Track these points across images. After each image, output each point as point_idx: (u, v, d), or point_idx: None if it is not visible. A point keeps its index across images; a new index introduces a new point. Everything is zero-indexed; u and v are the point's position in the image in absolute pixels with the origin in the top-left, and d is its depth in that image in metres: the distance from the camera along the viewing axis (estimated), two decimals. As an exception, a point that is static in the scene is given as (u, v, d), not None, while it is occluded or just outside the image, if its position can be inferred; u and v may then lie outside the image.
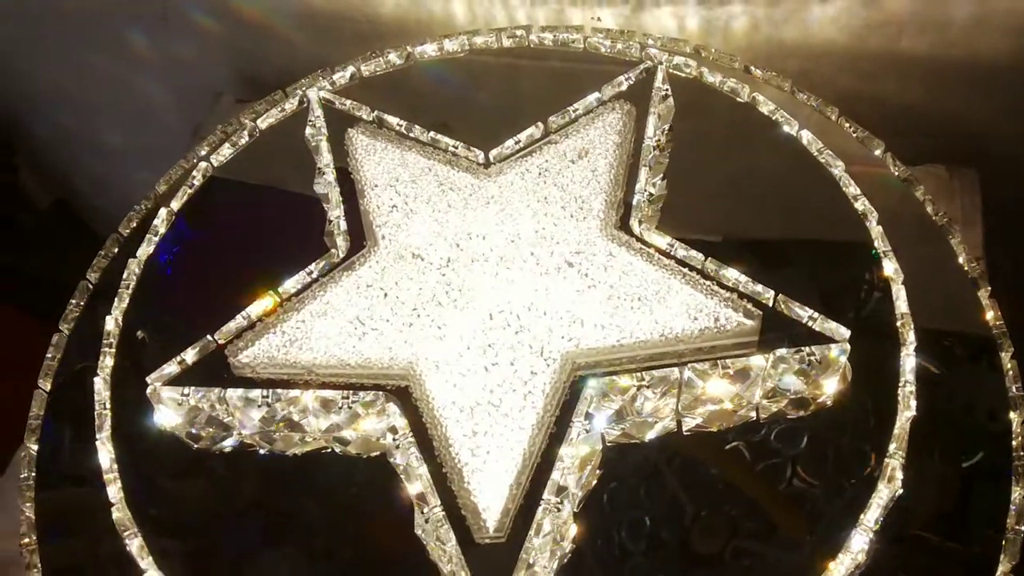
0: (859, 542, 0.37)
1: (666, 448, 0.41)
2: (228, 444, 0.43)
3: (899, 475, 0.39)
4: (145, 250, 0.51)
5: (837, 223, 0.48)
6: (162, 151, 0.99)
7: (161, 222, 0.51)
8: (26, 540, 0.47)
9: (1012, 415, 0.44)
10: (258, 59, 0.81)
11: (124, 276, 0.49)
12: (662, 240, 0.44)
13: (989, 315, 0.47)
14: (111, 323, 0.47)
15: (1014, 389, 0.45)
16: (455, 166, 0.48)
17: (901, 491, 0.39)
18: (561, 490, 0.37)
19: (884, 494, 0.38)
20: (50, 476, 0.48)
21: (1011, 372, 0.46)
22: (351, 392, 0.41)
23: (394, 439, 0.39)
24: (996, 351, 0.46)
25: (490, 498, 0.37)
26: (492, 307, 0.42)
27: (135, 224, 0.57)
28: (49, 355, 0.52)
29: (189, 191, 0.53)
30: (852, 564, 0.36)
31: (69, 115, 0.99)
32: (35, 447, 0.49)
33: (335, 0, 0.73)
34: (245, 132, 0.55)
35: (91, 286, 0.55)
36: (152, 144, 1.00)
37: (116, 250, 0.57)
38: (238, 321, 0.44)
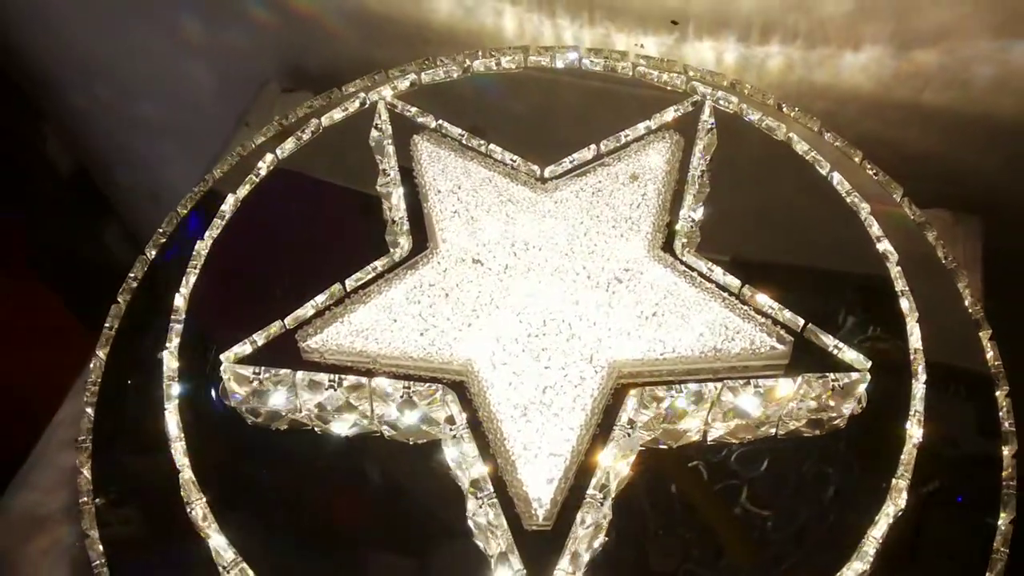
0: (868, 550, 0.41)
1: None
2: (285, 424, 0.47)
3: (904, 495, 0.43)
4: (211, 233, 0.54)
5: (859, 260, 0.52)
6: (194, 132, 1.02)
7: (229, 207, 0.54)
8: (84, 499, 0.50)
9: (1004, 449, 0.49)
10: (305, 52, 0.84)
11: (192, 256, 0.52)
12: (703, 264, 0.48)
13: (989, 355, 0.51)
14: (180, 300, 0.50)
15: (1006, 424, 0.50)
16: (514, 179, 0.51)
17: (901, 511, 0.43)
18: (603, 487, 0.41)
19: (891, 511, 0.42)
20: (106, 439, 0.51)
21: (1004, 408, 0.50)
22: (410, 383, 0.44)
23: (451, 429, 0.43)
24: (993, 388, 0.51)
25: (541, 490, 0.40)
26: (546, 314, 0.45)
27: (191, 206, 0.61)
28: (107, 324, 0.55)
29: (255, 179, 0.56)
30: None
31: (105, 87, 1.01)
32: (91, 410, 0.52)
33: (389, 1, 0.76)
34: (309, 128, 0.58)
35: (149, 260, 0.58)
36: (186, 124, 1.02)
37: (172, 229, 0.60)
38: (307, 308, 0.47)
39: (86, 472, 0.50)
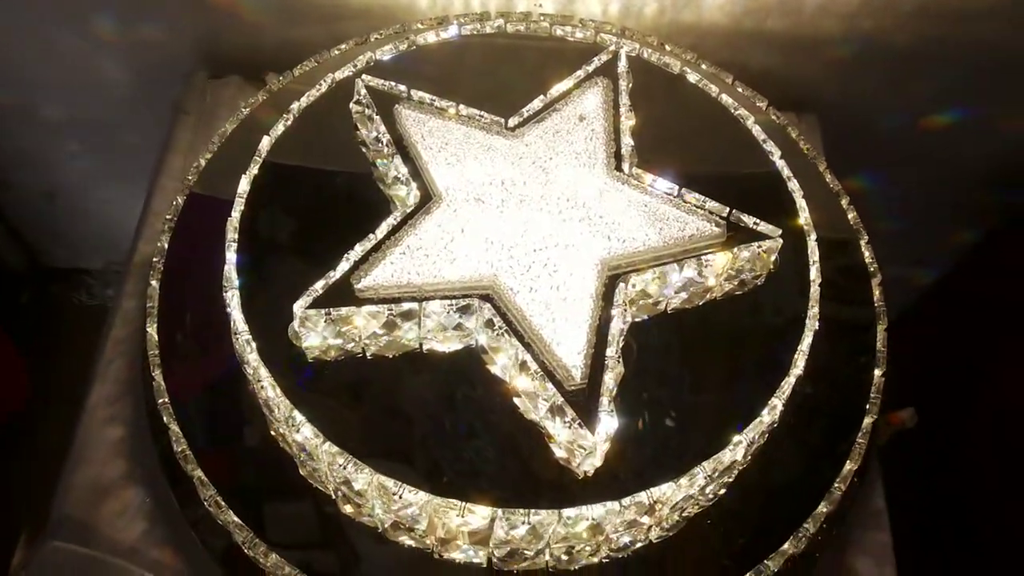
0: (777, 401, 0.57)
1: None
2: (345, 354, 0.57)
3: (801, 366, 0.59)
4: (239, 205, 0.62)
5: (753, 158, 0.68)
6: (104, 128, 1.05)
7: (243, 187, 0.62)
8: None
9: (873, 283, 0.67)
10: (222, 39, 0.89)
11: (228, 231, 0.60)
12: (648, 177, 0.62)
13: (851, 216, 0.70)
14: (231, 269, 0.58)
15: (868, 259, 0.68)
16: (488, 131, 0.63)
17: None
18: (616, 351, 0.55)
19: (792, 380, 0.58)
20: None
21: (868, 255, 0.69)
22: (451, 301, 0.56)
23: (494, 330, 0.55)
24: (858, 239, 0.69)
25: (574, 360, 0.54)
26: (543, 232, 0.58)
27: (187, 193, 0.68)
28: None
29: (258, 160, 0.64)
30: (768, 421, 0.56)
31: (8, 92, 1.01)
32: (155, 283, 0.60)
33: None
34: (291, 113, 0.66)
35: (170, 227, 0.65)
36: (94, 121, 1.05)
37: (176, 215, 0.67)
38: (343, 264, 0.57)
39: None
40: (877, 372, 0.63)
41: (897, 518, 0.72)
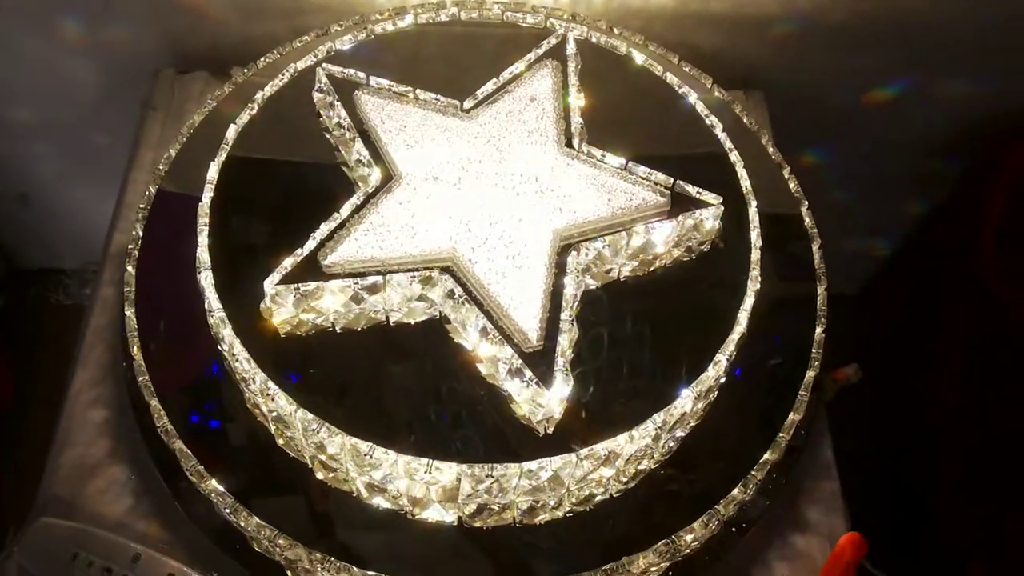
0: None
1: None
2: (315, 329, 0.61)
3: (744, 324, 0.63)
4: (208, 191, 0.65)
5: (696, 132, 0.72)
6: (72, 128, 1.07)
7: (213, 172, 0.65)
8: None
9: (813, 248, 0.71)
10: (186, 37, 0.92)
11: (199, 215, 0.63)
12: (597, 152, 0.66)
13: (792, 186, 0.74)
14: (203, 251, 0.61)
15: (808, 221, 0.72)
16: (444, 113, 0.67)
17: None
18: (570, 314, 0.59)
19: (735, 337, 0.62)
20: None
21: (807, 217, 0.73)
22: (414, 272, 0.59)
23: (454, 300, 0.59)
24: (799, 206, 0.73)
25: (530, 323, 0.58)
26: (500, 206, 0.62)
27: (159, 183, 0.71)
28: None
29: (226, 148, 0.67)
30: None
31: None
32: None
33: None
34: (256, 103, 0.69)
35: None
36: (62, 122, 1.07)
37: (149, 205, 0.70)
38: (310, 242, 0.60)
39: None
40: (818, 330, 0.67)
41: (846, 469, 0.76)
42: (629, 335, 0.63)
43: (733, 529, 0.66)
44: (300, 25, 0.89)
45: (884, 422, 1.24)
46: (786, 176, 0.74)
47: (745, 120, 0.77)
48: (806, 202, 0.72)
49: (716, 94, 0.78)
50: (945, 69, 1.00)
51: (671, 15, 0.88)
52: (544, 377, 0.56)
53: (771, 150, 0.75)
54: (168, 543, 0.64)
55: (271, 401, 0.56)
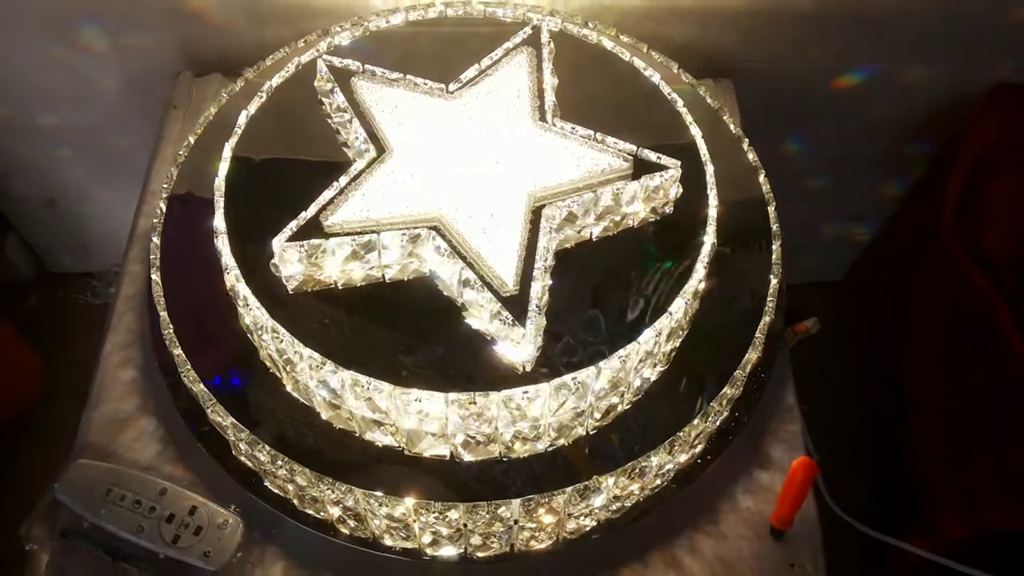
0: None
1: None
2: (320, 285, 0.69)
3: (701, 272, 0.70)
4: (223, 168, 0.73)
5: (659, 107, 0.79)
6: (96, 132, 1.16)
7: (228, 152, 0.73)
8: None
9: (771, 216, 0.78)
10: (203, 42, 1.01)
11: (216, 189, 0.71)
12: (567, 125, 0.74)
13: (750, 156, 0.81)
14: (220, 219, 0.69)
15: (766, 189, 0.79)
16: (431, 95, 0.75)
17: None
18: (544, 265, 0.66)
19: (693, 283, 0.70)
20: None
21: (766, 191, 0.80)
22: (404, 231, 0.67)
23: (440, 254, 0.66)
24: (756, 175, 0.80)
25: (507, 271, 0.65)
26: (481, 172, 0.70)
27: (181, 161, 0.79)
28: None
29: (238, 131, 0.75)
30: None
31: (6, 103, 1.12)
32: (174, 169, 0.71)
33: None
34: (264, 92, 0.78)
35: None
36: (86, 126, 1.16)
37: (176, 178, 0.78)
38: (313, 206, 0.68)
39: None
40: (773, 279, 0.74)
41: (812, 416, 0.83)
42: (599, 286, 0.71)
43: (699, 461, 0.73)
44: (304, 29, 0.97)
45: (868, 388, 1.31)
46: (745, 148, 0.82)
47: (709, 100, 0.84)
48: (763, 171, 0.80)
49: (681, 76, 0.86)
50: (905, 56, 1.07)
51: (644, 10, 0.96)
52: (520, 316, 0.64)
53: (732, 126, 0.83)
54: (192, 482, 0.72)
55: (281, 344, 0.64)
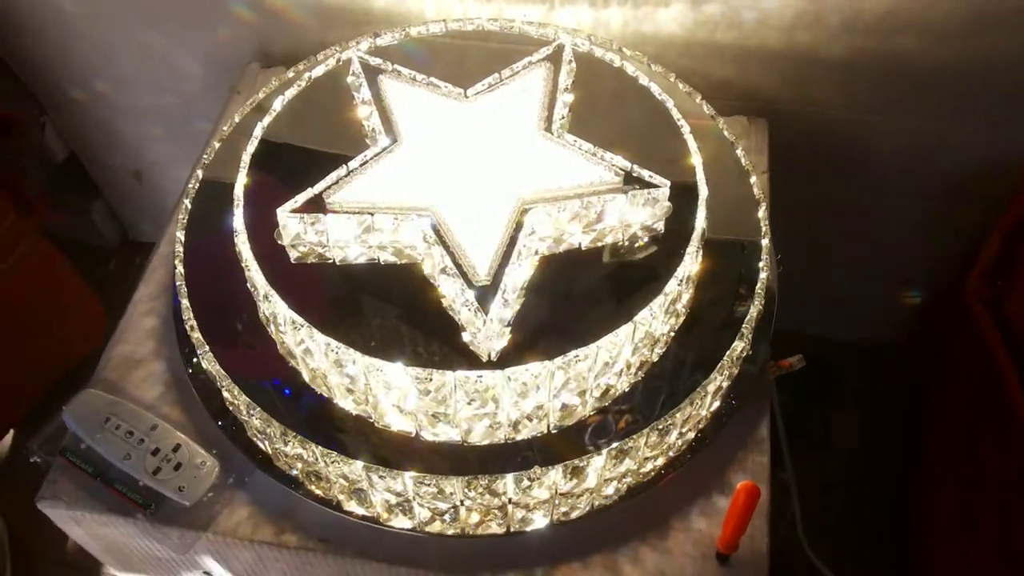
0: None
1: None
2: (319, 258, 0.74)
3: (688, 264, 0.73)
4: (252, 145, 0.80)
5: (667, 131, 0.82)
6: (178, 112, 1.27)
7: (259, 131, 0.81)
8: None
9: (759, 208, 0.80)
10: (275, 38, 1.10)
11: (241, 162, 0.78)
12: (570, 137, 0.77)
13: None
14: (239, 189, 0.76)
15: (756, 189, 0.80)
16: (449, 98, 0.80)
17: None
18: (517, 263, 0.70)
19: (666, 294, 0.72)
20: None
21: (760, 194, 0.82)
22: (396, 216, 0.72)
23: (426, 241, 0.71)
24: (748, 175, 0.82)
25: (482, 262, 0.69)
26: (477, 170, 0.74)
27: (228, 132, 0.86)
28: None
29: (272, 113, 0.82)
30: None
31: (104, 82, 1.25)
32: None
33: (339, -6, 1.03)
34: (303, 81, 0.85)
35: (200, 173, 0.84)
36: (171, 106, 1.27)
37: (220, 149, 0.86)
38: (320, 184, 0.74)
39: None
40: (762, 275, 0.75)
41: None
42: (577, 292, 0.74)
43: (663, 472, 0.74)
44: (367, 32, 1.05)
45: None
46: (751, 182, 0.83)
47: (726, 133, 0.87)
48: (763, 204, 0.81)
49: (704, 108, 0.88)
50: (948, 112, 1.05)
51: (682, 45, 0.99)
52: (484, 304, 0.67)
53: (743, 160, 0.84)
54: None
55: (270, 305, 0.70)
